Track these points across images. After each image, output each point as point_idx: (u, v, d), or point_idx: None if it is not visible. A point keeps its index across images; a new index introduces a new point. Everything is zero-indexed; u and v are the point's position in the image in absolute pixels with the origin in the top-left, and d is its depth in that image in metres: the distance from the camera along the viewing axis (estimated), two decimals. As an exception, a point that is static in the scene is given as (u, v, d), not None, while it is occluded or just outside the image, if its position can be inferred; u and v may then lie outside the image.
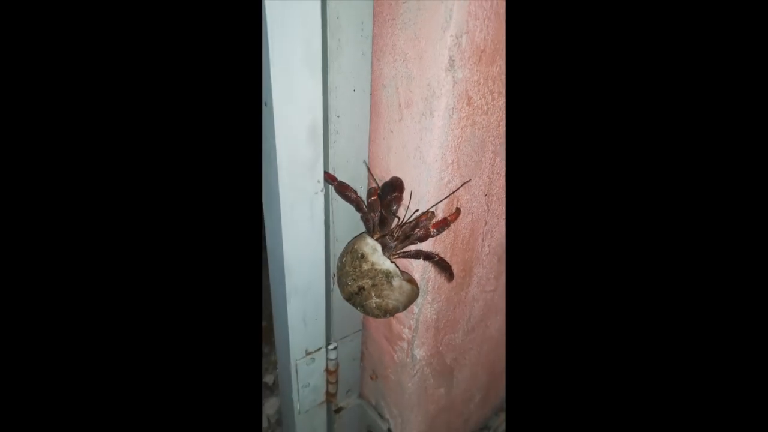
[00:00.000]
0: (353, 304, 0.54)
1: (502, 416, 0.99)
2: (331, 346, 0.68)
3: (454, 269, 0.58)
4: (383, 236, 0.51)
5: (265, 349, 1.26)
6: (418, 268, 0.56)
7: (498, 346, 0.82)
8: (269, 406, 1.05)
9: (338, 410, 0.76)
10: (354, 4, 0.46)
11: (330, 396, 0.73)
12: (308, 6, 0.43)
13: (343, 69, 0.49)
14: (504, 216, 0.63)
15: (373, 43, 0.50)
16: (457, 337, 0.70)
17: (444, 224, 0.50)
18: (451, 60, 0.43)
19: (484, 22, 0.43)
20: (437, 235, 0.51)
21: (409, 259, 0.55)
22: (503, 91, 0.50)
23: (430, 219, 0.50)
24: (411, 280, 0.53)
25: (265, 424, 1.02)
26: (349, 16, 0.47)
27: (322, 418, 0.76)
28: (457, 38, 0.42)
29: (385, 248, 0.50)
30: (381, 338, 0.69)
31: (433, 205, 0.51)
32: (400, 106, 0.50)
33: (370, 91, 0.53)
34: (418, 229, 0.50)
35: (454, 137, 0.48)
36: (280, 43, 0.43)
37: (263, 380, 1.13)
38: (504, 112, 0.52)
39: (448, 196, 0.52)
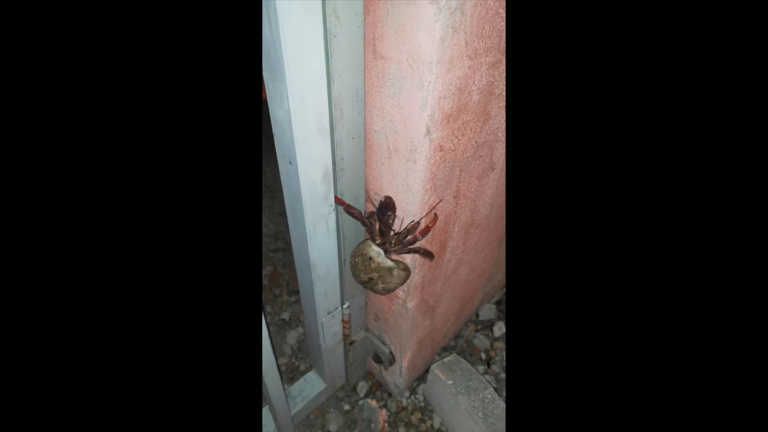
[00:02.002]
0: (364, 287, 0.75)
1: (471, 326, 1.30)
2: (345, 306, 0.91)
3: (433, 250, 0.79)
4: (383, 243, 0.71)
5: (276, 291, 1.50)
6: (408, 256, 0.77)
7: (466, 284, 1.08)
8: (290, 338, 1.32)
9: (352, 343, 1.03)
10: (351, 82, 0.60)
11: (346, 335, 0.99)
12: (319, 96, 0.57)
13: (345, 127, 0.64)
14: (467, 204, 0.83)
15: (365, 101, 0.64)
16: (437, 287, 0.95)
17: (427, 231, 0.70)
18: (428, 129, 0.59)
19: (451, 98, 0.58)
20: (422, 239, 0.71)
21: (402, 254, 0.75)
22: (465, 132, 0.66)
23: (416, 228, 0.70)
24: (405, 268, 0.74)
25: (288, 351, 1.30)
26: (348, 91, 0.60)
27: (341, 350, 1.04)
28: (431, 115, 0.58)
29: (386, 252, 0.71)
30: (382, 296, 0.93)
31: (418, 219, 0.71)
32: (389, 149, 0.66)
33: (364, 135, 0.68)
34: (409, 236, 0.70)
35: (431, 173, 0.66)
36: (300, 119, 0.57)
37: (281, 317, 1.39)
38: (464, 145, 0.69)
39: (427, 214, 0.71)
